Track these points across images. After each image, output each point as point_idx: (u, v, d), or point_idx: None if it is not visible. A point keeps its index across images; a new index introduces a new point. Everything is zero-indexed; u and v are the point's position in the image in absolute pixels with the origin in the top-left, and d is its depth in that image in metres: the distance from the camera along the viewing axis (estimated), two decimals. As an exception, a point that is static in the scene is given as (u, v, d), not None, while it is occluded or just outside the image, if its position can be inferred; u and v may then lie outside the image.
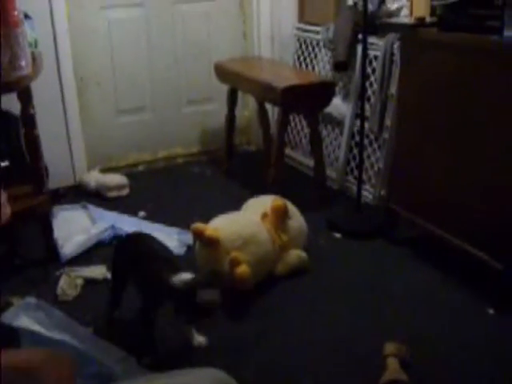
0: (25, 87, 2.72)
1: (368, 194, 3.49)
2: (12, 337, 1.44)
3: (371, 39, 3.30)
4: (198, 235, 2.66)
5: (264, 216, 2.78)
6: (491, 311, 2.53)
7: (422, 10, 2.88)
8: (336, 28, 3.53)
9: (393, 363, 2.15)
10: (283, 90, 3.20)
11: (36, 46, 3.09)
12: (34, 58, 2.87)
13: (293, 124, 4.16)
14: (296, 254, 2.86)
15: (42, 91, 3.49)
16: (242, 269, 2.53)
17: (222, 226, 2.71)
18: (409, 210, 2.94)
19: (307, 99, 3.31)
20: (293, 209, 2.91)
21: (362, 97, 3.15)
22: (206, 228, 2.66)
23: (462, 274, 2.76)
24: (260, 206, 2.87)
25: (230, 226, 2.70)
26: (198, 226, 2.68)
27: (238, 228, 2.68)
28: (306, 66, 4.00)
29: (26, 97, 2.76)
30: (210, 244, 2.63)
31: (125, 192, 3.77)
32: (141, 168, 4.20)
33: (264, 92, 3.40)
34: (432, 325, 2.47)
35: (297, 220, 2.90)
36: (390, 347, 2.20)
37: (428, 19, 2.75)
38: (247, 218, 2.81)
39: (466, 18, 2.48)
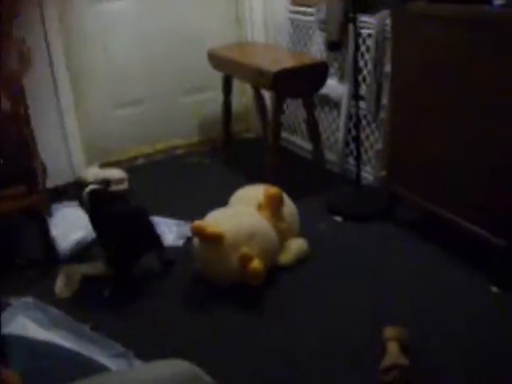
0: (12, 85, 2.68)
1: (368, 175, 3.44)
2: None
3: (363, 17, 3.24)
4: (199, 232, 2.58)
5: (259, 206, 2.73)
6: (494, 289, 2.48)
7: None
8: (328, 8, 3.46)
9: (393, 347, 2.10)
10: (275, 73, 3.14)
11: (24, 43, 3.05)
12: (22, 56, 2.85)
13: (291, 108, 4.11)
14: (298, 242, 2.83)
15: (36, 88, 3.47)
16: (256, 264, 2.49)
17: (221, 221, 2.64)
18: (408, 191, 2.88)
19: (300, 82, 3.25)
20: (284, 196, 2.85)
21: (355, 76, 3.09)
22: (207, 224, 2.58)
23: (464, 254, 2.71)
24: (251, 197, 2.82)
25: (229, 221, 2.64)
26: (198, 223, 2.60)
27: (239, 222, 2.64)
28: (301, 48, 3.93)
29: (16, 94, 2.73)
30: (213, 241, 2.55)
31: (124, 186, 3.74)
32: (140, 161, 4.16)
33: (257, 77, 3.35)
34: (435, 306, 2.43)
35: (289, 206, 2.85)
36: (390, 331, 2.16)
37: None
38: (244, 210, 2.76)
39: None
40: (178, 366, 1.40)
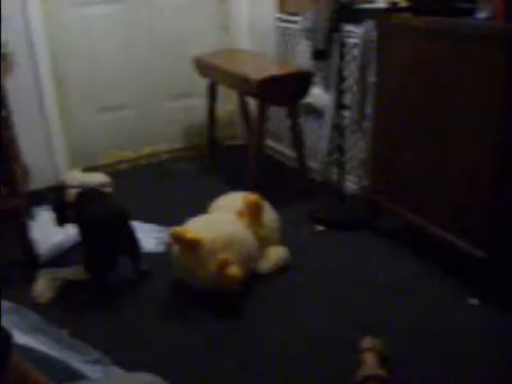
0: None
1: (351, 184, 3.44)
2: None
3: (349, 27, 3.24)
4: (178, 239, 2.57)
5: (239, 213, 2.72)
6: (475, 301, 2.48)
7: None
8: (314, 17, 3.47)
9: (369, 358, 2.10)
10: (259, 81, 3.15)
11: (5, 46, 3.04)
12: (3, 59, 2.83)
13: (276, 116, 4.11)
14: (278, 250, 2.82)
15: (19, 92, 3.46)
16: (233, 270, 2.48)
17: (200, 227, 2.63)
18: (390, 201, 2.89)
19: (284, 90, 3.25)
20: (264, 203, 2.85)
21: (339, 85, 3.10)
22: (186, 231, 2.57)
23: (445, 265, 2.72)
24: (231, 204, 2.82)
25: (209, 227, 2.63)
26: (178, 229, 2.59)
27: (218, 228, 2.62)
28: (287, 56, 3.94)
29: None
30: (192, 247, 2.54)
31: (107, 190, 3.71)
32: (124, 166, 4.15)
33: (242, 85, 3.35)
34: (415, 317, 2.43)
35: (269, 214, 2.85)
36: (366, 342, 2.15)
37: (403, 4, 2.69)
38: (223, 217, 2.75)
39: (438, 1, 2.42)
40: (146, 380, 1.38)
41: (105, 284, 2.71)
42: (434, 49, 2.45)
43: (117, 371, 2.17)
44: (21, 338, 2.33)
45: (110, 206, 2.77)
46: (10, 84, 3.04)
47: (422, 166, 2.65)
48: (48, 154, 3.80)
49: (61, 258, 2.96)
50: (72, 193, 2.82)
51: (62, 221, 2.80)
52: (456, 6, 2.37)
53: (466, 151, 2.40)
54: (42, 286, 2.73)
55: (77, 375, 2.10)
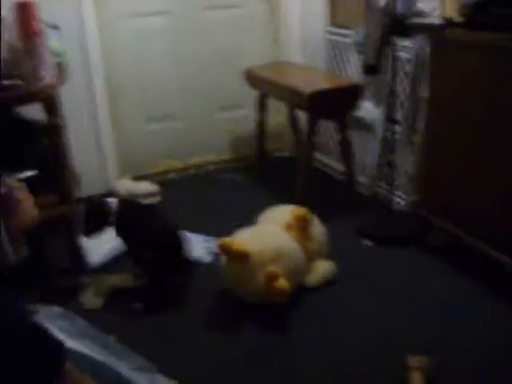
0: (48, 96, 2.72)
1: (400, 200, 3.41)
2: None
3: (402, 41, 3.22)
4: (226, 250, 2.58)
5: (288, 226, 2.73)
6: (526, 323, 2.43)
7: (452, 10, 2.80)
8: (366, 31, 3.46)
9: (416, 377, 2.07)
10: (309, 95, 3.16)
11: (63, 56, 3.10)
12: (60, 68, 2.89)
13: (324, 129, 4.11)
14: (325, 264, 2.82)
15: (73, 101, 3.52)
16: (281, 283, 2.48)
17: (248, 239, 2.64)
18: (439, 217, 2.85)
19: (334, 104, 3.25)
20: (312, 216, 2.84)
21: (391, 100, 3.08)
22: (234, 242, 2.58)
23: (495, 284, 2.66)
24: (280, 216, 2.82)
25: (257, 239, 2.64)
26: (225, 240, 2.60)
27: (266, 240, 2.63)
28: (338, 70, 3.93)
29: (50, 106, 2.76)
30: (239, 259, 2.55)
31: (155, 200, 3.76)
32: (172, 175, 4.19)
33: (292, 97, 3.36)
34: (462, 337, 2.38)
35: (318, 227, 2.84)
36: (413, 360, 2.13)
37: (458, 19, 2.66)
38: (272, 229, 2.75)
39: (493, 18, 2.38)
40: None
41: (159, 293, 2.76)
42: (488, 65, 2.42)
43: (163, 380, 2.18)
44: (70, 342, 2.37)
45: (163, 219, 2.82)
46: (65, 92, 3.09)
47: (474, 182, 2.60)
48: (99, 162, 3.87)
49: (109, 265, 3.00)
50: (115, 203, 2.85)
51: (89, 230, 2.82)
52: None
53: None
54: (91, 293, 2.77)
55: (123, 382, 2.12)
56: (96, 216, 2.78)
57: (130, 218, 2.79)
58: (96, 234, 2.82)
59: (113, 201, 2.84)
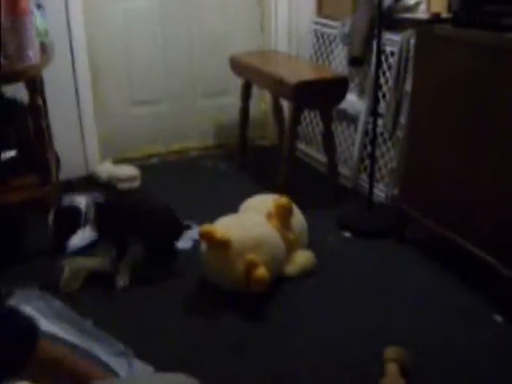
0: (32, 77, 2.69)
1: (381, 193, 3.43)
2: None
3: (388, 35, 3.23)
4: (207, 237, 2.58)
5: (269, 215, 2.73)
6: (499, 318, 2.46)
7: (439, 5, 2.82)
8: (352, 23, 3.46)
9: (392, 369, 2.09)
10: (295, 85, 3.15)
11: (47, 36, 3.07)
12: (43, 48, 2.86)
13: (308, 119, 4.11)
14: (305, 254, 2.82)
15: (56, 81, 3.49)
16: (261, 271, 2.48)
17: (230, 227, 2.64)
18: (419, 211, 2.87)
19: (320, 95, 3.25)
20: (293, 206, 2.85)
21: (375, 93, 3.09)
22: (216, 230, 2.58)
23: (471, 278, 2.70)
24: (261, 205, 2.82)
25: (238, 227, 2.64)
26: (207, 228, 2.59)
27: (247, 229, 2.63)
28: (323, 61, 3.94)
29: (33, 86, 2.73)
30: (221, 246, 2.56)
31: (136, 184, 3.75)
32: (154, 160, 4.17)
33: (277, 87, 3.35)
34: (437, 329, 2.41)
35: (298, 218, 2.85)
36: (390, 352, 2.15)
37: (445, 15, 2.68)
38: (253, 218, 2.75)
39: (481, 15, 2.40)
40: (184, 381, 1.39)
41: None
42: (475, 62, 2.42)
43: (140, 365, 2.18)
44: (46, 325, 2.36)
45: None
46: (47, 73, 3.06)
47: (457, 179, 2.62)
48: (80, 144, 3.83)
49: (87, 248, 2.98)
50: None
51: (60, 239, 2.86)
52: (499, 21, 2.33)
53: (505, 168, 2.38)
54: (69, 276, 2.76)
55: (101, 366, 2.12)
56: (65, 224, 2.79)
57: (122, 216, 2.84)
58: (67, 241, 2.84)
59: (80, 200, 2.83)
